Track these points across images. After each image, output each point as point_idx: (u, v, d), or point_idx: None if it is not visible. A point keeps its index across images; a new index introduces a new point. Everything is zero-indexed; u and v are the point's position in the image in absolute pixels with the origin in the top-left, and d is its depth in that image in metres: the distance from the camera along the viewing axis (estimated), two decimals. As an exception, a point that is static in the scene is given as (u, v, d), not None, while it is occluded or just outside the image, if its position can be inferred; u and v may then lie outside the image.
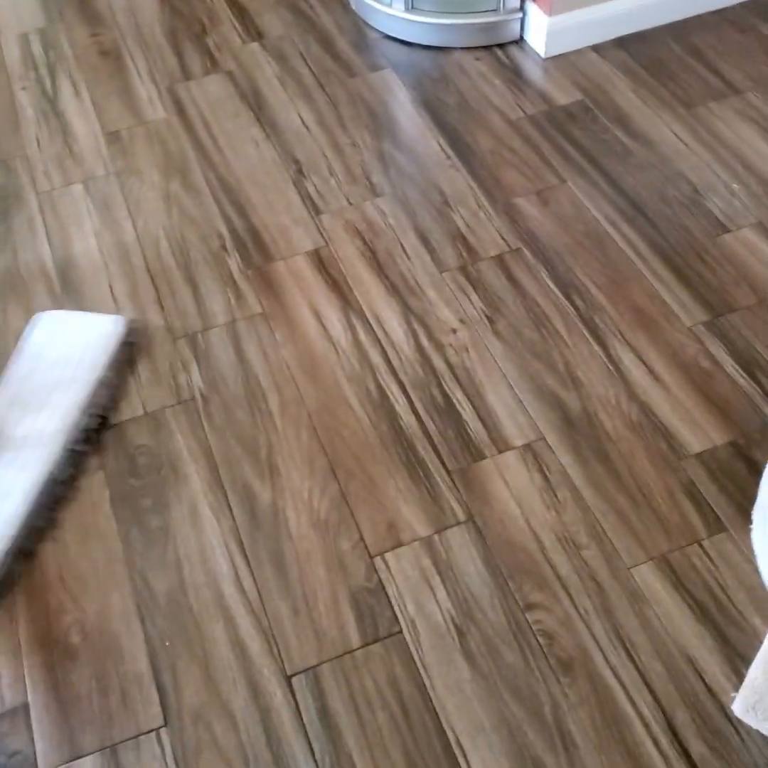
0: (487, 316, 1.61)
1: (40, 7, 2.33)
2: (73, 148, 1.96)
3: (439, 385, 1.52)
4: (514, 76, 2.05)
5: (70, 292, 1.69)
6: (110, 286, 1.70)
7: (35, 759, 1.18)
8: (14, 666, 1.26)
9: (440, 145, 1.91)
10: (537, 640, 1.24)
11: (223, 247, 1.75)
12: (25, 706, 1.23)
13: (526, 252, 1.71)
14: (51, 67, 2.15)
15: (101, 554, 1.35)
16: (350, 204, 1.81)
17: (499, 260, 1.70)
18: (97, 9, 2.31)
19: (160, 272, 1.71)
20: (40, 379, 1.55)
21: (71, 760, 1.18)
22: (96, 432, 1.50)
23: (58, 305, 1.67)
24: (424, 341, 1.59)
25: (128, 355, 1.60)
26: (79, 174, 1.91)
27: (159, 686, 1.23)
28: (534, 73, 2.05)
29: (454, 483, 1.40)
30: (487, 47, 2.11)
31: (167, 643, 1.26)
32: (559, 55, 2.08)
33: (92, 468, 1.45)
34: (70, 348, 1.59)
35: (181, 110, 2.02)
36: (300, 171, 1.88)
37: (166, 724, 1.20)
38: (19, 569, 1.35)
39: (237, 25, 2.23)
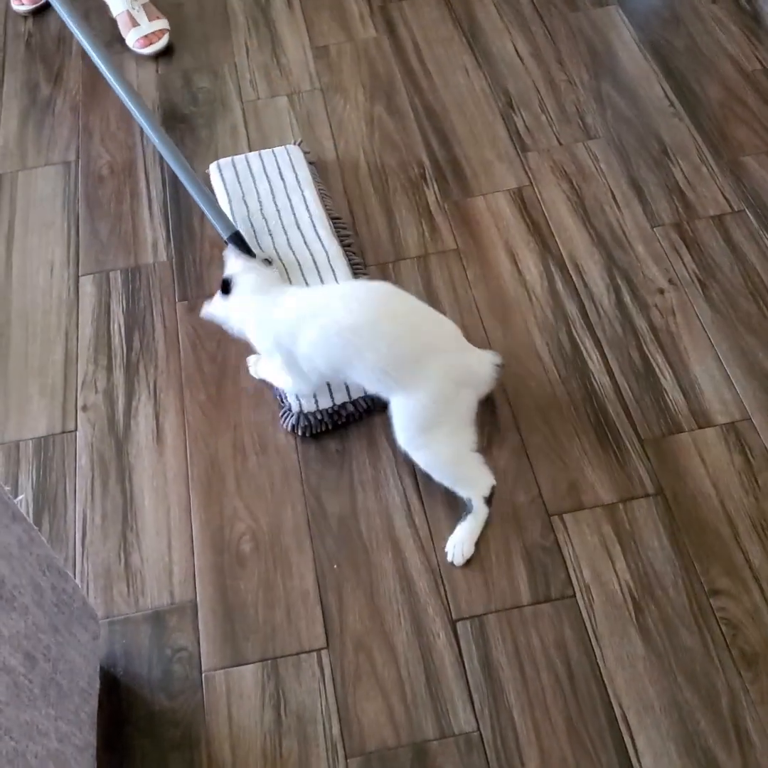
0: (699, 280, 1.50)
1: None
2: (281, 59, 1.94)
3: (640, 347, 1.44)
4: (754, 24, 1.88)
5: (266, 205, 1.68)
6: (307, 204, 1.68)
7: (199, 658, 1.21)
8: (186, 564, 1.29)
9: (664, 91, 1.79)
10: (720, 628, 1.17)
11: (423, 177, 1.70)
12: (193, 605, 1.25)
13: (750, 216, 1.58)
14: (266, -25, 2.13)
15: (278, 469, 1.36)
16: (560, 144, 1.72)
17: (719, 221, 1.58)
18: None
19: (357, 197, 1.68)
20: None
21: (233, 666, 1.20)
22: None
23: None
24: (627, 298, 1.50)
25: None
26: (285, 86, 1.88)
27: (324, 607, 1.23)
28: (776, 22, 1.89)
29: (645, 453, 1.32)
30: (725, -10, 1.95)
31: (336, 566, 1.26)
32: (807, 4, 1.90)
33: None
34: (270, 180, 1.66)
35: (392, 30, 1.97)
36: (510, 104, 1.80)
37: (327, 646, 1.20)
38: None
39: (456, -55, 2.14)
